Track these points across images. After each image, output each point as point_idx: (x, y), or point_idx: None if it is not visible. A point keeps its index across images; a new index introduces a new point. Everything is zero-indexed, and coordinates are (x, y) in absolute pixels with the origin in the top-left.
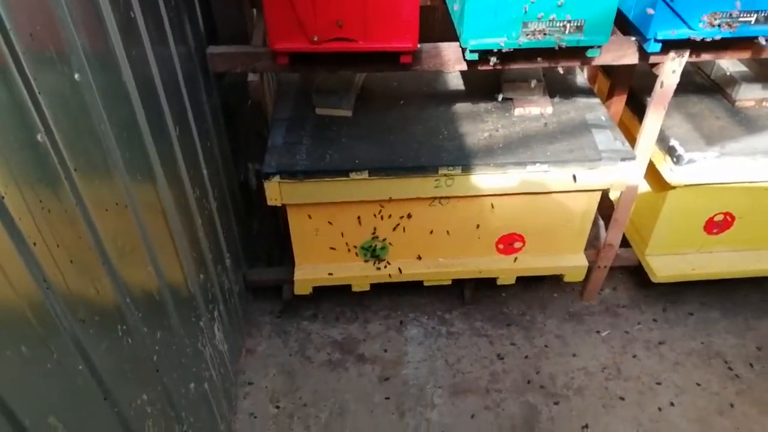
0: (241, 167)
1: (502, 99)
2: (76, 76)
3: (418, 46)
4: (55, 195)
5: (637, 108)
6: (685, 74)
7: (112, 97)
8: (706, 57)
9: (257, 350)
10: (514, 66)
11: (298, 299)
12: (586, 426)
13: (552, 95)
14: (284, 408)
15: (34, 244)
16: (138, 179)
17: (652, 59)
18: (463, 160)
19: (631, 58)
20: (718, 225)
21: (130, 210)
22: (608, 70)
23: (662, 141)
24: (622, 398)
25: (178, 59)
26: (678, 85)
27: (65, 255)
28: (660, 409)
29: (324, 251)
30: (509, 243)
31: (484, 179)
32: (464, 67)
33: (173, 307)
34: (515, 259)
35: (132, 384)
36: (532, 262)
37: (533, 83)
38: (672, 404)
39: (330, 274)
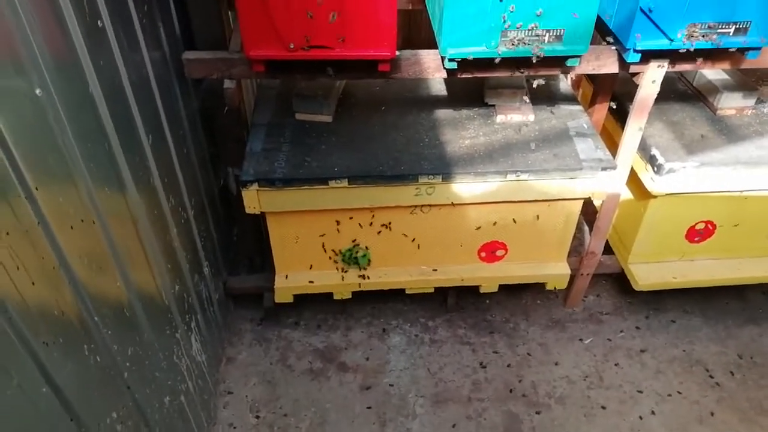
0: (221, 172)
1: (485, 105)
2: (38, 91)
3: (397, 53)
4: (14, 215)
5: (620, 115)
6: (667, 81)
7: (77, 109)
8: (685, 67)
9: (238, 359)
10: (494, 74)
11: (279, 306)
12: None
13: (535, 102)
14: (264, 418)
15: None
16: (106, 192)
17: (632, 69)
18: (444, 168)
19: (611, 67)
20: (699, 233)
21: (98, 225)
22: (592, 76)
23: (644, 149)
24: (603, 407)
25: (151, 66)
26: (660, 92)
27: (26, 277)
28: (641, 417)
29: (304, 259)
30: (491, 251)
31: (465, 188)
32: (444, 75)
33: (146, 321)
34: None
35: (101, 403)
36: (514, 270)
37: (513, 91)
38: (653, 413)
39: (311, 282)
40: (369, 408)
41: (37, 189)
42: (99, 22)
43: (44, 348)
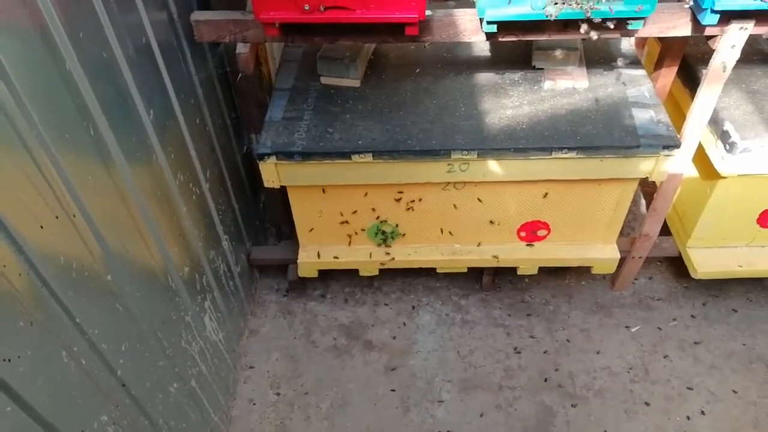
0: (245, 138)
1: (532, 69)
2: None
3: (428, 13)
4: None
5: (690, 80)
6: (751, 42)
7: (47, 94)
8: None
9: (260, 331)
10: (540, 38)
11: (306, 277)
12: None
13: (590, 65)
14: (285, 395)
15: None
16: (91, 181)
17: (708, 31)
18: (480, 143)
19: (682, 29)
20: None
21: (79, 218)
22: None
23: (715, 123)
24: (647, 403)
25: (153, 31)
26: (741, 54)
27: None
28: (689, 417)
29: (329, 233)
30: (532, 231)
31: (504, 165)
32: (483, 38)
33: (144, 312)
34: (534, 247)
35: (84, 408)
36: (557, 252)
37: (564, 53)
38: (702, 413)
39: (336, 257)
40: (393, 391)
41: None
42: None
43: (5, 365)
